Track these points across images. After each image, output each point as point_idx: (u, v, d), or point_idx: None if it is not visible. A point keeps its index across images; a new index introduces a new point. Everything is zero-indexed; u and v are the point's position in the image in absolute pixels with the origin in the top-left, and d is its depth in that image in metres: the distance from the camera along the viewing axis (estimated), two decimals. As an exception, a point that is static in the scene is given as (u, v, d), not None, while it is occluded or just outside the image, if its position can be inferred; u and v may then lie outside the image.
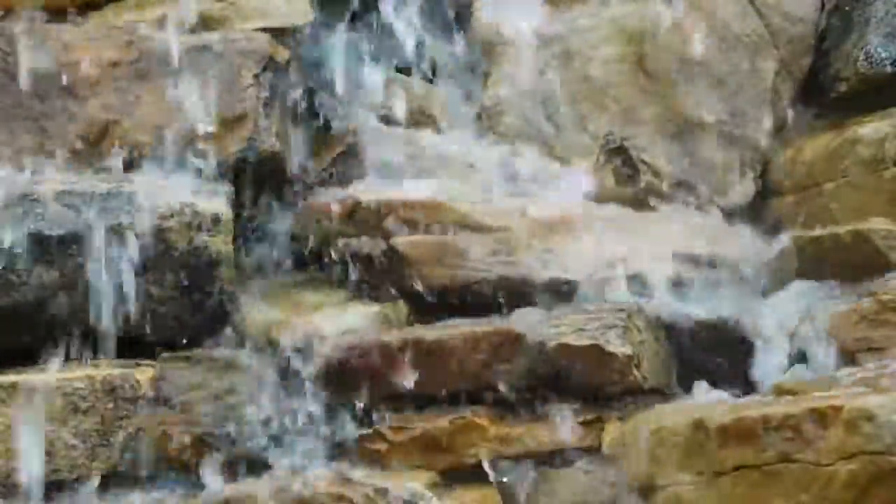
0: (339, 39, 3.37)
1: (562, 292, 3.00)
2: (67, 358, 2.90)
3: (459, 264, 3.04)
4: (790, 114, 3.40)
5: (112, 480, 2.83)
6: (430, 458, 2.83)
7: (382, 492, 2.73)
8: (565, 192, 3.25)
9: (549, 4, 3.43)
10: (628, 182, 3.32)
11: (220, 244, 2.94)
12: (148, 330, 2.92)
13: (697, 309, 2.98)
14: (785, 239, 3.15)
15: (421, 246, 3.05)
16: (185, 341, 2.92)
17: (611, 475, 2.79)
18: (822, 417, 2.52)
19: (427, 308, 3.04)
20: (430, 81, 3.42)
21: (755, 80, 3.37)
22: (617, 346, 2.82)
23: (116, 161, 3.07)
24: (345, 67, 3.37)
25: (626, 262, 3.06)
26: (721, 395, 2.86)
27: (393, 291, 3.06)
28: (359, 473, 2.81)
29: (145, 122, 3.09)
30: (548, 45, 3.40)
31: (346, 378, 2.88)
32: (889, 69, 3.28)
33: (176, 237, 2.91)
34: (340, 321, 3.01)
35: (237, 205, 3.06)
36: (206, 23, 3.24)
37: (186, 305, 2.92)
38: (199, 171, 3.05)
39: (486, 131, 3.35)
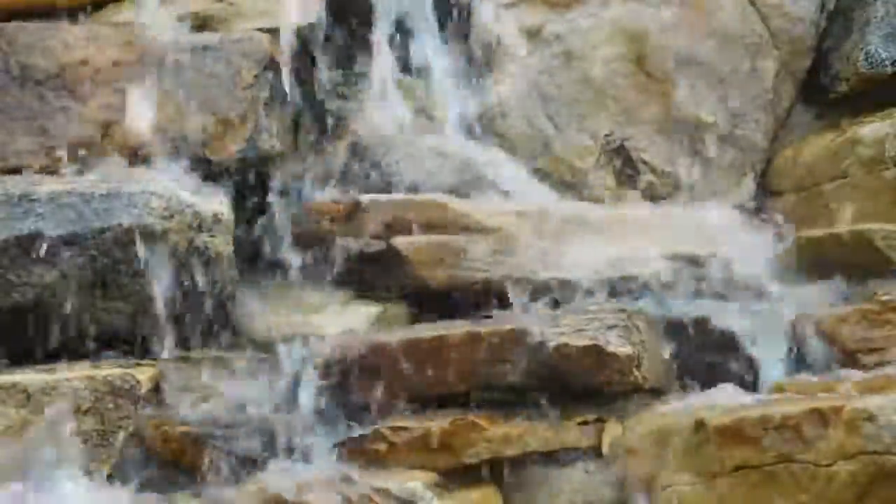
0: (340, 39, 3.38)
1: (562, 292, 3.00)
2: (67, 358, 2.90)
3: (459, 264, 3.04)
4: (790, 114, 3.41)
5: (112, 480, 2.83)
6: (430, 458, 2.83)
7: (382, 492, 2.73)
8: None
9: (549, 4, 3.43)
10: (628, 182, 3.32)
11: (221, 244, 2.94)
12: (148, 330, 2.92)
13: (697, 309, 2.98)
14: (785, 239, 3.16)
15: (421, 246, 3.05)
16: (185, 342, 2.93)
17: (611, 475, 2.79)
18: (822, 418, 2.52)
19: (427, 308, 3.04)
20: (432, 82, 3.42)
21: (755, 80, 3.38)
22: (617, 346, 2.82)
23: (116, 161, 3.07)
24: (345, 67, 3.38)
25: (627, 262, 3.06)
26: (721, 395, 2.85)
27: (393, 291, 3.06)
28: (359, 473, 2.81)
29: (145, 123, 3.09)
30: (548, 46, 3.40)
31: (345, 378, 2.88)
32: (889, 69, 3.28)
33: (176, 237, 2.91)
34: (340, 321, 3.01)
35: (237, 205, 3.06)
36: (206, 23, 3.24)
37: (187, 306, 2.92)
38: (199, 172, 3.06)
39: (487, 132, 3.36)
